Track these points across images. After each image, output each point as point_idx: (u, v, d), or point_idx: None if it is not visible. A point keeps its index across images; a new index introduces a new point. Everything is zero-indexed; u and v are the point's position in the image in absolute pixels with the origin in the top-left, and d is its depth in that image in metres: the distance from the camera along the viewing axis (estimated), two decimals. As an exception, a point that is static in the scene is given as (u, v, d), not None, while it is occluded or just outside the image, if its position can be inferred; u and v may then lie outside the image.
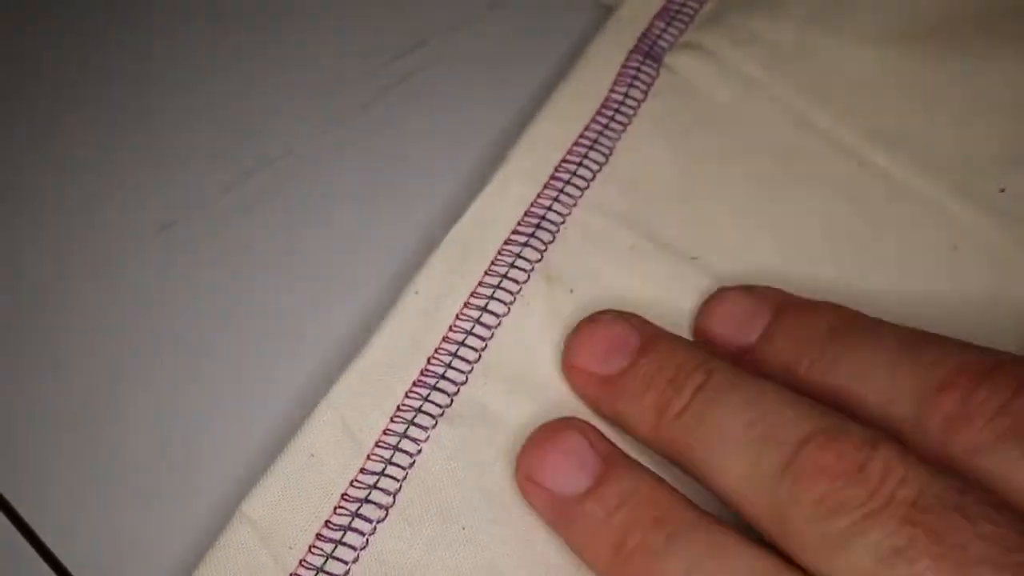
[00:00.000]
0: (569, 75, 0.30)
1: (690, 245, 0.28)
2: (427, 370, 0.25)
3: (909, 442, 0.21)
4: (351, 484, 0.24)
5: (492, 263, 0.27)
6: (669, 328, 0.26)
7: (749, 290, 0.26)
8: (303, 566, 0.23)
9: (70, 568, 0.25)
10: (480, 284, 0.27)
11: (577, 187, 0.28)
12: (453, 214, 0.28)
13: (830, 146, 0.29)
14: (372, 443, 0.24)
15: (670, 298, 0.27)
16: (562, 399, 0.25)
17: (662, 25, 0.31)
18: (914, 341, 0.22)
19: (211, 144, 0.31)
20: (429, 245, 0.28)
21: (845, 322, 0.24)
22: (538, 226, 0.27)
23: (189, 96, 0.32)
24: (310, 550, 0.23)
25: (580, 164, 0.29)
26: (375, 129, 0.31)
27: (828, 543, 0.19)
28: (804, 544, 0.20)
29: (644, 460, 0.23)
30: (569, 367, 0.25)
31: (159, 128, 0.31)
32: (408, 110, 0.31)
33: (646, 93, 0.30)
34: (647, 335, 0.25)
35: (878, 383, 0.22)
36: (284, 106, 0.32)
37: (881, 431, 0.21)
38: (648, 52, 0.30)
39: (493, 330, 0.26)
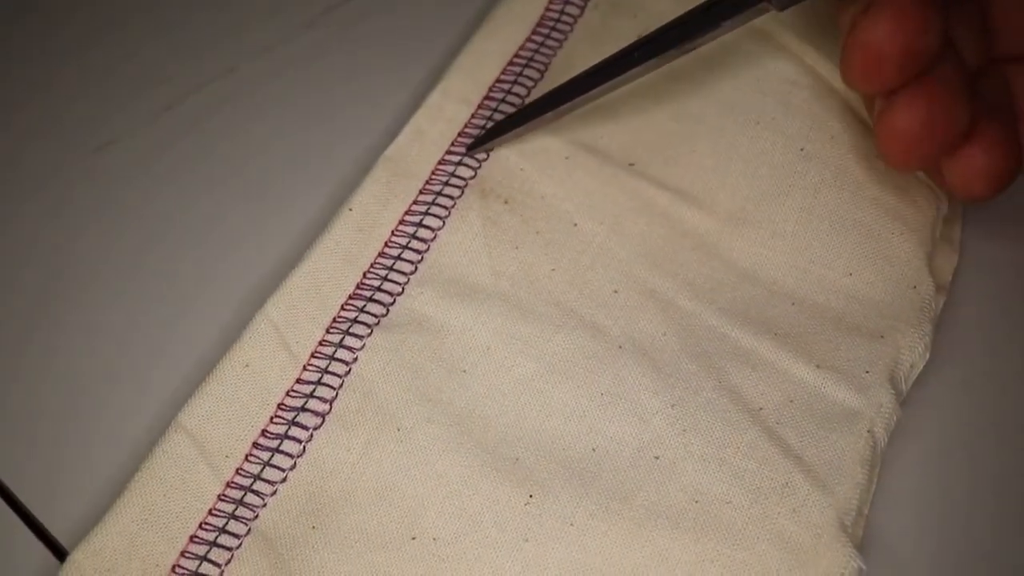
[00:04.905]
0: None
1: (626, 152, 0.28)
2: (363, 283, 0.26)
3: None
4: (287, 394, 0.24)
5: (427, 182, 0.27)
6: (609, 236, 0.26)
7: None
8: (240, 474, 0.23)
9: (4, 480, 0.25)
10: (415, 202, 0.27)
11: (511, 104, 0.28)
12: (395, 133, 0.28)
13: (759, 43, 0.29)
14: (308, 355, 0.25)
15: (609, 204, 0.27)
16: (497, 303, 0.26)
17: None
18: None
19: (153, 62, 0.31)
20: (371, 163, 0.28)
21: None
22: (472, 145, 0.28)
23: (131, 14, 0.32)
24: (247, 459, 0.24)
25: (515, 82, 0.29)
26: (319, 49, 0.31)
27: None
28: None
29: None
30: None
31: (100, 45, 0.31)
32: (353, 30, 0.31)
33: (583, 8, 0.30)
34: None
35: None
36: (228, 25, 0.32)
37: None
38: (586, -33, 0.30)
39: (429, 243, 0.27)
